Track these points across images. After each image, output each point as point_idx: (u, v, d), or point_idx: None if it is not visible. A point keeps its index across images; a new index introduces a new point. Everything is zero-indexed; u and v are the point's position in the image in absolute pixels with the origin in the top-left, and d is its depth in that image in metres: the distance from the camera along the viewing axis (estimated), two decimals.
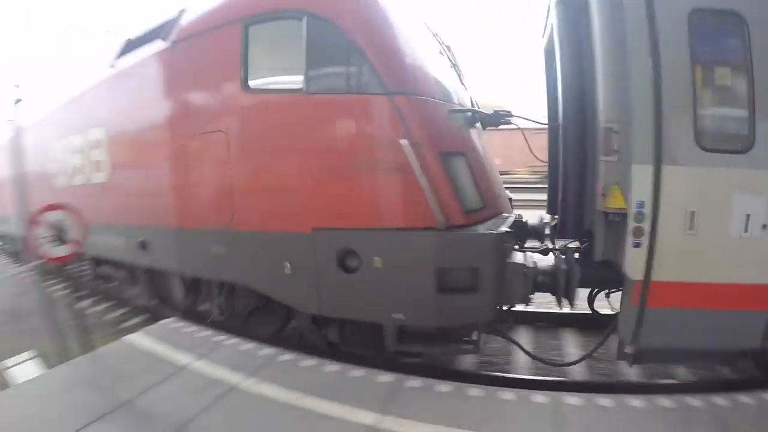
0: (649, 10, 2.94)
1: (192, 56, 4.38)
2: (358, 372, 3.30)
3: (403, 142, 3.27)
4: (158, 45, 4.69)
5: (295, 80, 3.69)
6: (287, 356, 3.64)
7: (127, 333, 5.45)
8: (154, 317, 5.78)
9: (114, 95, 5.46)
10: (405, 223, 3.43)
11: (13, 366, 5.40)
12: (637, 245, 3.04)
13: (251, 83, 3.92)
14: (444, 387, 3.19)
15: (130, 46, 5.32)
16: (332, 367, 3.41)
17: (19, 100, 6.67)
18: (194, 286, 5.11)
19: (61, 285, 5.36)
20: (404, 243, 3.41)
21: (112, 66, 5.51)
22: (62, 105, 6.68)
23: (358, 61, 3.50)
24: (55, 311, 5.01)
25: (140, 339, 4.33)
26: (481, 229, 3.49)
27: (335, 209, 3.61)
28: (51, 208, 4.08)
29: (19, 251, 9.00)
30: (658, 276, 3.02)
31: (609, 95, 3.25)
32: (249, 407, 3.02)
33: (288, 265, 3.77)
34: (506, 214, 4.19)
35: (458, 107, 4.08)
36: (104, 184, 5.67)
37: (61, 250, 4.06)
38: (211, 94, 4.29)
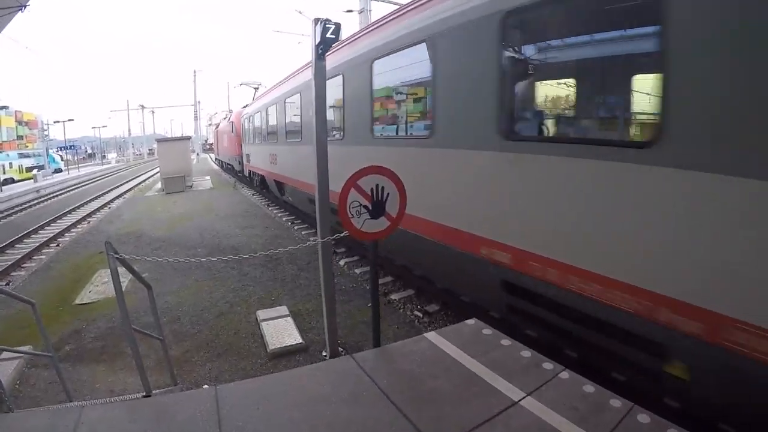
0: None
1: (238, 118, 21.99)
2: None
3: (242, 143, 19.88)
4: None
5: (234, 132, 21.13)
6: (647, 418, 2.19)
7: (390, 303, 5.89)
8: (422, 293, 6.05)
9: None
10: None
11: (266, 319, 5.17)
12: (248, 162, 18.10)
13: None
14: None
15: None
16: None
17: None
18: None
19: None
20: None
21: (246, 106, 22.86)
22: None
23: (235, 132, 20.44)
24: (331, 278, 4.34)
25: (441, 340, 3.18)
26: None
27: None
28: (372, 171, 3.17)
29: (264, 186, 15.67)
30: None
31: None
32: None
33: None
34: None
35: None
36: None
37: (375, 225, 3.20)
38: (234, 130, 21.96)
